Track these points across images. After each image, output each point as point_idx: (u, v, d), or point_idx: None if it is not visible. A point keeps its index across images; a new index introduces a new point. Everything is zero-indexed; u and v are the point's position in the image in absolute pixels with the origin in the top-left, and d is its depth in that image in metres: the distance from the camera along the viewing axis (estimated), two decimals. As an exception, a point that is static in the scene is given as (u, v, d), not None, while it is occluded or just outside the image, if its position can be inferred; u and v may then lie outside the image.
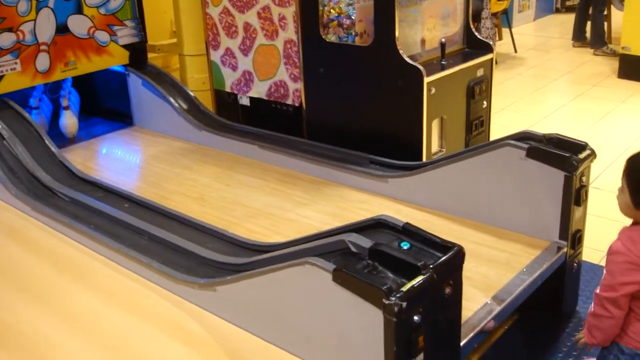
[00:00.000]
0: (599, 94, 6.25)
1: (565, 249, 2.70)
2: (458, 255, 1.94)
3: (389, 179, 3.16)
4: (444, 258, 1.89)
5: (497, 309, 2.32)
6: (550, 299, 2.77)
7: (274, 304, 2.09)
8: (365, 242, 1.92)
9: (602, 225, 3.33)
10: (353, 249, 1.94)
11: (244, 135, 3.73)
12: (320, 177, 3.33)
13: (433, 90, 3.25)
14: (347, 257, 1.92)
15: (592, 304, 2.14)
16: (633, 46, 6.37)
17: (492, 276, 2.51)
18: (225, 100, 4.15)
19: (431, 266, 1.84)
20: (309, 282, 1.92)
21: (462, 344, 2.11)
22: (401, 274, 1.82)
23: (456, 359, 2.09)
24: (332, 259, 1.91)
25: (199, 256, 2.45)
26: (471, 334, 2.18)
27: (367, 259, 1.89)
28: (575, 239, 2.74)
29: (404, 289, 1.74)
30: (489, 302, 2.34)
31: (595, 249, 3.13)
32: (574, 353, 2.74)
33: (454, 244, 1.96)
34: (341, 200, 3.14)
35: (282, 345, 2.10)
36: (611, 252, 2.06)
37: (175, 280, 2.38)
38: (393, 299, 1.71)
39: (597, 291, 2.10)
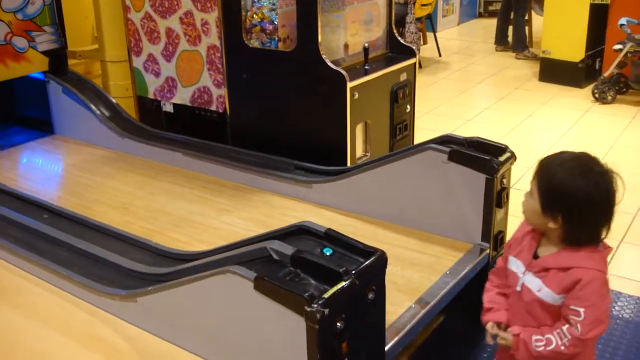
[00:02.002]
0: (521, 97, 6.39)
1: (487, 251, 2.74)
2: (380, 260, 1.94)
3: (313, 184, 3.16)
4: (366, 263, 1.89)
5: (422, 312, 2.33)
6: (475, 299, 2.79)
7: (197, 314, 2.05)
8: (287, 249, 1.91)
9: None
10: (275, 256, 1.92)
11: (167, 143, 3.68)
12: (244, 184, 3.31)
13: (356, 95, 3.27)
14: (269, 264, 1.90)
15: (557, 342, 1.88)
16: (553, 50, 6.54)
17: (416, 279, 2.53)
18: (148, 107, 4.08)
19: (353, 272, 1.83)
20: (230, 291, 1.90)
21: (386, 348, 2.12)
22: (323, 280, 1.81)
23: (381, 362, 2.10)
24: (253, 267, 1.89)
25: (121, 267, 2.40)
26: (396, 338, 2.19)
27: (289, 266, 1.87)
28: (497, 240, 2.78)
29: (326, 295, 1.73)
30: (413, 305, 2.36)
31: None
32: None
33: (376, 249, 1.96)
34: (266, 207, 3.12)
35: (205, 356, 2.07)
36: (587, 283, 1.83)
37: (96, 292, 2.33)
38: (315, 306, 1.70)
39: (579, 334, 1.83)
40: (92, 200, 3.22)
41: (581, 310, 1.83)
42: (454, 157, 2.70)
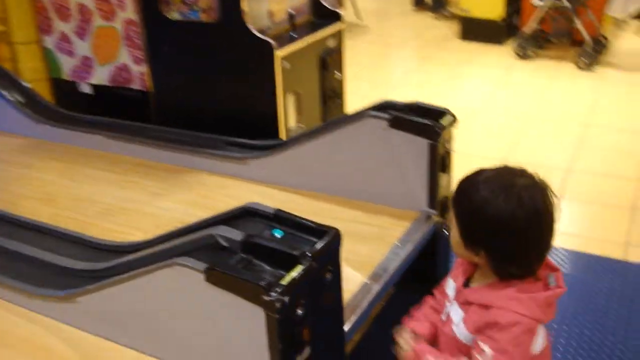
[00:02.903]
0: (443, 57, 6.37)
1: (434, 217, 2.67)
2: (335, 239, 1.84)
3: (249, 160, 3.02)
4: (321, 243, 1.78)
5: (376, 287, 2.24)
6: (424, 267, 2.73)
7: (144, 311, 1.90)
8: (236, 235, 1.78)
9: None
10: (223, 243, 1.79)
11: (88, 126, 3.46)
12: (175, 165, 3.14)
13: (286, 64, 3.14)
14: (218, 252, 1.77)
15: None
16: (472, 8, 6.52)
17: (366, 253, 2.43)
18: (64, 90, 3.85)
19: (309, 254, 1.72)
20: (179, 284, 1.75)
21: (345, 328, 2.03)
22: (279, 265, 1.69)
23: (341, 345, 2.01)
24: (201, 256, 1.75)
25: (54, 265, 2.22)
26: (353, 317, 2.09)
27: (240, 253, 1.75)
28: (444, 206, 2.72)
29: (284, 282, 1.62)
30: (367, 281, 2.27)
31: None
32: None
33: (329, 227, 1.85)
34: (201, 187, 2.97)
35: (158, 355, 1.92)
36: (503, 327, 1.58)
37: (29, 295, 2.14)
38: (274, 294, 1.59)
39: None
40: (15, 194, 2.99)
41: (487, 350, 1.57)
42: (394, 123, 2.61)
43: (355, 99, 3.78)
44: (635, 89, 5.56)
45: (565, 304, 2.81)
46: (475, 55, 6.35)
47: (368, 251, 2.44)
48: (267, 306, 1.60)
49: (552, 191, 1.62)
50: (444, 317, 1.76)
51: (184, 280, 1.73)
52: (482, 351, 1.59)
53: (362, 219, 2.65)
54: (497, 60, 6.19)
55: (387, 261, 2.39)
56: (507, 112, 5.17)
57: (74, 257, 2.24)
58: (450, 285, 1.80)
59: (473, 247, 1.63)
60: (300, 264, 1.68)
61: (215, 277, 1.67)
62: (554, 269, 1.70)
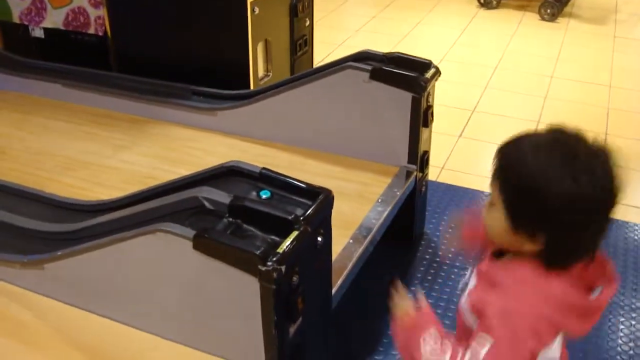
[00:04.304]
0: (406, 4, 6.23)
1: (415, 173, 2.57)
2: (327, 201, 1.72)
3: (217, 111, 2.87)
4: (314, 206, 1.66)
5: (361, 247, 2.15)
6: (402, 224, 2.65)
7: (124, 280, 1.76)
8: (222, 197, 1.64)
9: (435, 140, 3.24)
10: (209, 206, 1.66)
11: (43, 73, 3.24)
12: (140, 115, 2.97)
13: (257, 10, 2.97)
14: (203, 217, 1.63)
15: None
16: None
17: (347, 211, 2.31)
18: (14, 34, 3.60)
19: (303, 218, 1.60)
20: (164, 252, 1.61)
21: (333, 292, 1.93)
22: (271, 231, 1.57)
23: (329, 309, 1.91)
24: (186, 220, 1.62)
25: (13, 227, 2.03)
26: (340, 280, 2.00)
27: (227, 217, 1.62)
28: (424, 161, 2.62)
29: (280, 250, 1.50)
30: (351, 241, 2.17)
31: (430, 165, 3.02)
32: (429, 278, 2.67)
33: (322, 188, 1.73)
34: (167, 140, 2.81)
35: (140, 327, 1.78)
36: (506, 314, 1.30)
37: (-11, 260, 1.97)
38: (270, 263, 1.47)
39: None
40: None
41: (488, 341, 1.27)
42: (376, 75, 2.48)
43: (322, 47, 3.65)
44: (598, 40, 5.52)
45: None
46: (438, 2, 6.23)
47: (350, 209, 2.33)
48: (262, 276, 1.48)
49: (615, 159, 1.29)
50: (461, 284, 1.54)
51: (169, 248, 1.59)
52: (481, 339, 1.28)
53: (342, 175, 2.54)
54: (460, 9, 6.07)
55: (370, 220, 2.29)
56: (470, 61, 5.08)
57: (35, 217, 2.05)
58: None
59: (529, 234, 1.28)
60: (295, 229, 1.56)
61: (205, 244, 1.53)
62: (610, 281, 1.37)
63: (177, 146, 2.76)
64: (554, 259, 1.30)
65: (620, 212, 3.31)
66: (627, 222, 3.29)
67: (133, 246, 1.66)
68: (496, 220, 1.32)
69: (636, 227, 3.27)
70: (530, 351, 1.29)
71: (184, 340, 1.74)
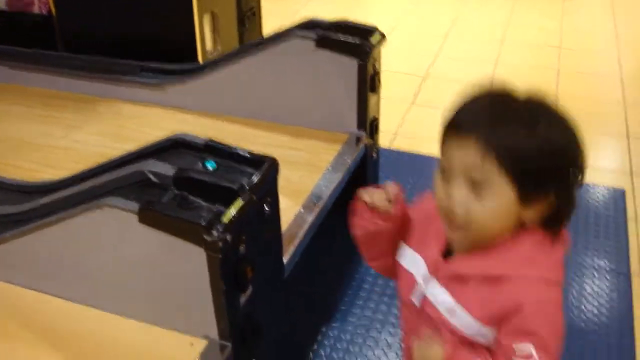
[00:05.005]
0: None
1: (364, 139, 2.59)
2: (273, 168, 1.73)
3: (166, 86, 2.85)
4: (259, 174, 1.67)
5: (312, 216, 2.17)
6: (353, 191, 2.66)
7: (72, 258, 1.75)
8: (167, 169, 1.65)
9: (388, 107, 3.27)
10: (154, 178, 1.66)
11: (-13, 55, 3.20)
12: (88, 94, 2.94)
13: (201, -18, 2.95)
14: (149, 190, 1.63)
15: None
16: None
17: (297, 180, 2.33)
18: (-46, 15, 3.54)
19: (248, 186, 1.62)
20: (110, 227, 1.62)
21: (284, 261, 1.95)
22: (216, 201, 1.57)
23: (281, 278, 1.93)
24: (131, 195, 1.62)
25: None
26: (292, 248, 2.01)
27: (172, 189, 1.62)
28: (373, 127, 2.64)
29: (225, 219, 1.51)
30: (302, 210, 2.18)
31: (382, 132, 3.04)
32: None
33: (266, 156, 1.74)
34: (117, 117, 2.79)
35: (90, 303, 1.78)
36: (534, 308, 1.14)
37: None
38: (215, 233, 1.48)
39: None
40: None
41: (534, 352, 1.12)
42: (322, 43, 2.49)
43: (270, 20, 3.65)
44: (547, 3, 5.57)
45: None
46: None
47: (300, 178, 2.34)
48: (208, 246, 1.49)
49: None
50: (416, 301, 1.28)
51: (115, 222, 1.60)
52: (528, 356, 1.12)
53: (291, 144, 2.55)
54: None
55: (320, 188, 2.31)
56: (421, 29, 5.11)
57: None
58: (413, 257, 1.31)
59: (540, 196, 1.14)
60: (240, 197, 1.57)
61: (150, 217, 1.54)
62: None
63: (127, 123, 2.75)
64: (562, 217, 1.18)
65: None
66: (591, 184, 3.36)
67: (80, 223, 1.66)
68: (497, 204, 1.11)
69: (593, 189, 3.34)
70: (562, 327, 1.18)
71: (137, 315, 1.75)
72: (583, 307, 2.63)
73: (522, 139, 1.09)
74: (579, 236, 3.01)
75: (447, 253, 1.25)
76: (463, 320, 1.19)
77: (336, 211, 2.39)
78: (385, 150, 3.15)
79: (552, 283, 1.17)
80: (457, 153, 1.12)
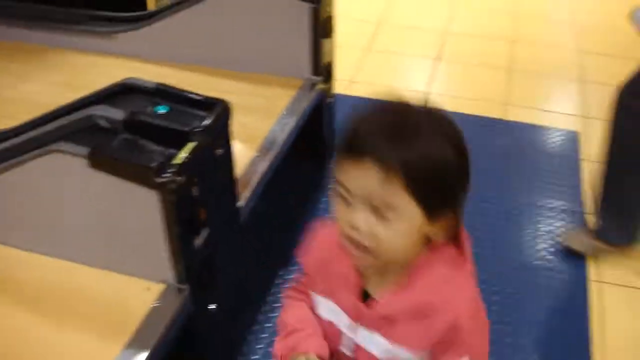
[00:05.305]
0: None
1: (319, 84, 2.59)
2: (225, 111, 1.73)
3: (117, 34, 2.80)
4: (211, 117, 1.66)
5: (266, 162, 2.17)
6: (311, 138, 2.68)
7: (24, 207, 1.74)
8: (117, 114, 1.63)
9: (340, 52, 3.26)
10: (104, 123, 1.64)
11: None
12: (38, 44, 2.87)
13: None
14: (99, 135, 1.62)
15: None
16: None
17: (251, 125, 2.32)
18: None
19: (199, 129, 1.61)
20: (60, 174, 1.60)
21: (239, 204, 1.95)
22: (168, 144, 1.57)
23: (236, 221, 1.93)
24: (82, 140, 1.60)
25: None
26: (247, 193, 2.01)
27: (123, 134, 1.61)
28: (328, 73, 2.64)
29: (176, 161, 1.51)
30: (257, 155, 2.18)
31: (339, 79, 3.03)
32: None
33: (217, 99, 1.73)
34: (68, 67, 2.74)
35: (47, 252, 1.77)
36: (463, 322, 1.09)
37: None
38: (166, 175, 1.48)
39: None
40: None
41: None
42: (273, -14, 2.47)
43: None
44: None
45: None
46: None
47: (255, 123, 2.34)
48: (160, 188, 1.49)
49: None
50: (348, 352, 1.22)
51: (65, 168, 1.58)
52: None
53: (246, 90, 2.53)
54: None
55: (275, 133, 2.31)
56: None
57: None
58: (330, 307, 1.22)
59: (446, 211, 1.07)
60: (191, 140, 1.57)
61: (101, 161, 1.53)
62: None
63: (79, 72, 2.70)
64: (460, 228, 1.13)
65: (536, 117, 3.44)
66: (546, 127, 3.41)
67: (30, 171, 1.64)
68: (404, 226, 1.03)
69: (548, 132, 3.39)
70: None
71: (93, 262, 1.75)
72: (538, 247, 2.69)
73: (422, 155, 1.00)
74: (534, 177, 3.06)
75: (364, 294, 1.16)
76: (403, 356, 1.13)
77: (291, 156, 2.40)
78: (341, 95, 3.15)
79: (472, 294, 1.13)
80: (355, 178, 1.02)
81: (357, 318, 1.17)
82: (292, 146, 2.38)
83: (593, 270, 2.58)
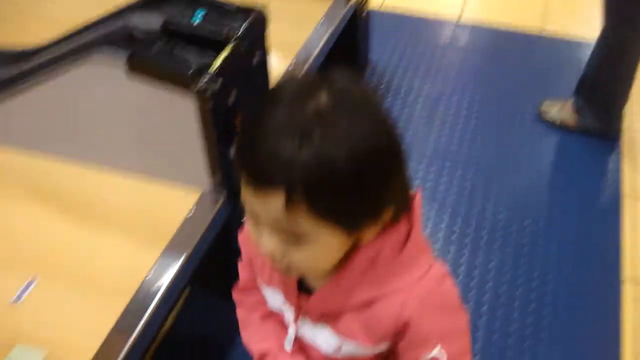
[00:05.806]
0: None
1: (354, -2, 2.55)
2: (260, 19, 1.72)
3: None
4: (247, 24, 1.66)
5: (303, 69, 2.16)
6: (345, 51, 2.65)
7: (63, 116, 1.75)
8: (154, 21, 1.63)
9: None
10: (141, 32, 1.64)
11: None
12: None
13: None
14: (137, 42, 1.62)
15: None
16: None
17: (287, 35, 2.29)
18: None
19: (235, 37, 1.60)
20: (100, 79, 1.61)
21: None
22: (204, 51, 1.57)
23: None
24: (120, 47, 1.60)
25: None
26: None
27: (161, 41, 1.61)
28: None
29: (214, 67, 1.51)
30: (294, 62, 2.17)
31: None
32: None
33: (253, 7, 1.72)
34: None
35: (85, 158, 1.78)
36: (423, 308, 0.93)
37: None
38: (204, 80, 1.48)
39: None
40: None
41: (436, 352, 0.95)
42: None
43: None
44: None
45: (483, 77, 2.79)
46: None
47: (290, 33, 2.32)
48: (197, 94, 1.49)
49: None
50: (288, 347, 1.09)
51: (104, 74, 1.59)
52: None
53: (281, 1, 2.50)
54: None
55: (311, 43, 2.30)
56: None
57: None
58: (276, 298, 1.08)
59: (383, 211, 0.88)
60: (228, 48, 1.57)
61: (139, 65, 1.53)
62: None
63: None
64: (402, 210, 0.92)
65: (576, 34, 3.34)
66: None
67: (70, 79, 1.64)
68: (320, 248, 0.86)
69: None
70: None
71: (134, 170, 1.77)
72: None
73: (326, 165, 0.77)
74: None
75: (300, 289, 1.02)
76: (352, 348, 1.00)
77: (326, 68, 2.39)
78: (375, 11, 3.09)
79: (423, 272, 0.94)
80: (258, 203, 0.83)
81: (299, 311, 1.03)
82: (327, 59, 2.36)
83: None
